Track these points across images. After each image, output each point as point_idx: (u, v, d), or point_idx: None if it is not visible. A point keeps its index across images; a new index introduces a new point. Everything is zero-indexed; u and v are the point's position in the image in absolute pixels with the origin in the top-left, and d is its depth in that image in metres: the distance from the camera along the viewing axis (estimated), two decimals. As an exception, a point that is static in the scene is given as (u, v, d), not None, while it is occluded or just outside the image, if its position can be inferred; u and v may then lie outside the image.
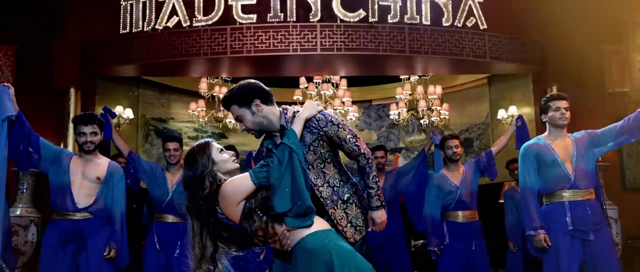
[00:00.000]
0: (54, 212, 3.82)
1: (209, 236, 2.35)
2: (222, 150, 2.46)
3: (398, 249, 5.39)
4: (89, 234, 3.73)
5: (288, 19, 5.95)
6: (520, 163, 3.75)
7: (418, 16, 6.09)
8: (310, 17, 5.98)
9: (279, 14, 5.95)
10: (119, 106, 6.87)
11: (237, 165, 2.47)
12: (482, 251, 4.69)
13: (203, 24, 6.02)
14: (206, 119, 7.73)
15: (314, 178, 2.61)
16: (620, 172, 6.45)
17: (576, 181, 3.56)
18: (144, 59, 6.14)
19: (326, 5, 6.00)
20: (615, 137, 3.58)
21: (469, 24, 6.22)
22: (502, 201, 6.14)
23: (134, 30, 6.21)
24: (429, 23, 6.12)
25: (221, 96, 6.87)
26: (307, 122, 2.59)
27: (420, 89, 7.67)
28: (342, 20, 5.99)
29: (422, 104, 7.67)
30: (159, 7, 6.14)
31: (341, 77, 7.55)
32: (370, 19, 5.98)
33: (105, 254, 3.73)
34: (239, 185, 2.33)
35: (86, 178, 3.77)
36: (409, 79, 7.75)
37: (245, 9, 6.01)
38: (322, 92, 7.41)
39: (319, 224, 2.37)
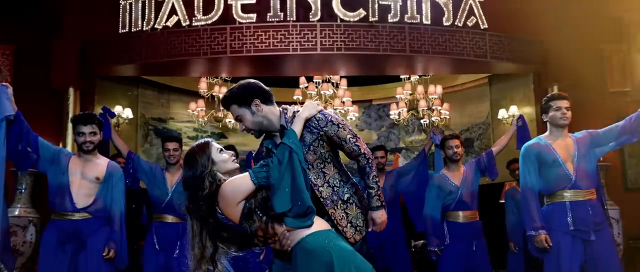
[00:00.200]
0: (52, 213, 3.81)
1: (208, 236, 2.34)
2: (221, 150, 2.45)
3: (398, 249, 5.38)
4: (88, 234, 3.72)
5: (288, 19, 5.94)
6: (521, 163, 3.74)
7: (418, 16, 6.07)
8: (310, 16, 5.96)
9: (279, 13, 5.94)
10: (118, 106, 6.86)
11: (237, 165, 2.47)
12: (483, 252, 4.68)
13: (203, 23, 6.01)
14: (206, 119, 7.72)
15: (314, 178, 2.60)
16: (621, 172, 6.45)
17: (577, 181, 3.56)
18: (143, 59, 6.12)
19: (326, 5, 5.98)
20: (616, 137, 3.58)
21: (469, 24, 6.20)
22: (502, 201, 6.14)
23: (133, 29, 6.19)
24: (429, 22, 6.10)
25: (221, 96, 6.86)
26: (307, 122, 2.58)
27: (420, 88, 7.66)
28: (342, 20, 5.98)
29: (422, 104, 7.66)
30: (159, 6, 6.12)
31: (341, 77, 7.54)
32: (371, 19, 5.97)
33: (104, 254, 3.72)
34: (238, 185, 2.33)
35: (85, 178, 3.76)
36: (409, 78, 7.74)
37: (245, 8, 5.99)
38: (322, 92, 7.40)
39: (319, 224, 2.37)
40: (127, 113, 7.06)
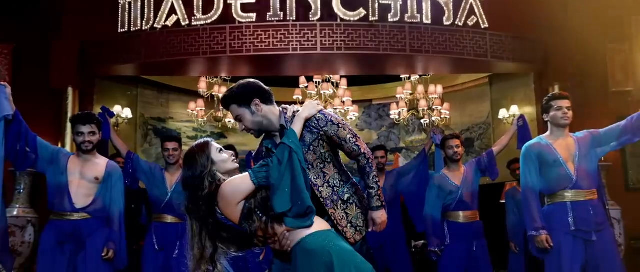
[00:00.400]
0: (51, 213, 3.80)
1: (208, 237, 2.34)
2: (221, 150, 2.45)
3: (398, 249, 5.38)
4: (87, 234, 3.71)
5: (288, 18, 5.92)
6: (522, 163, 3.73)
7: (419, 15, 6.05)
8: (310, 16, 5.94)
9: (279, 12, 5.92)
10: (117, 106, 6.84)
11: (237, 165, 2.47)
12: (484, 252, 4.67)
13: (202, 23, 5.99)
14: (205, 119, 7.71)
15: (314, 178, 2.59)
16: (623, 172, 6.44)
17: (578, 181, 3.55)
18: (142, 58, 6.11)
19: (326, 4, 5.96)
20: (618, 136, 3.57)
21: (470, 23, 6.19)
22: (503, 201, 6.13)
23: (132, 29, 6.17)
24: (429, 22, 6.09)
25: (220, 96, 6.84)
26: (307, 122, 2.58)
27: (420, 88, 7.65)
28: (342, 19, 5.96)
29: (422, 104, 7.65)
30: (158, 5, 6.10)
31: (341, 77, 7.52)
32: (371, 18, 5.95)
33: (103, 254, 3.71)
34: (238, 185, 2.32)
35: (84, 178, 3.75)
36: (409, 78, 7.73)
37: (245, 7, 5.97)
38: (322, 92, 7.38)
39: (319, 224, 2.36)
40: (127, 113, 7.04)
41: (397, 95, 7.90)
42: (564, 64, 6.28)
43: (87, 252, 3.70)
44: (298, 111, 2.60)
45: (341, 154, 2.72)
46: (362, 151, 2.65)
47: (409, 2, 6.05)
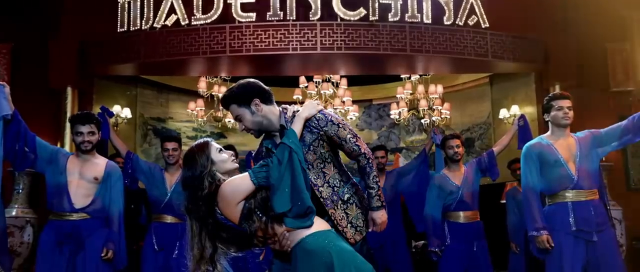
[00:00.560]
0: (50, 213, 3.79)
1: (208, 237, 2.34)
2: (221, 150, 2.45)
3: (399, 249, 5.37)
4: (86, 234, 3.70)
5: (288, 18, 5.91)
6: (523, 163, 3.72)
7: (419, 15, 6.04)
8: (310, 15, 5.93)
9: (279, 12, 5.91)
10: (116, 105, 6.83)
11: (237, 165, 2.46)
12: (484, 252, 4.67)
13: (202, 22, 5.98)
14: (205, 119, 7.70)
15: (314, 178, 2.59)
16: (624, 172, 6.44)
17: (579, 181, 3.54)
18: (142, 58, 6.10)
19: (326, 4, 5.95)
20: (619, 136, 3.56)
21: (470, 23, 6.18)
22: (504, 201, 6.11)
23: (131, 28, 6.16)
24: (430, 22, 6.08)
25: (220, 95, 6.82)
26: (307, 122, 2.57)
27: (421, 88, 7.64)
28: (342, 19, 5.95)
29: (423, 104, 7.64)
30: (157, 5, 6.09)
31: (341, 77, 7.51)
32: (371, 18, 5.94)
33: (102, 255, 3.70)
34: (238, 185, 2.32)
35: (83, 178, 3.74)
36: (409, 78, 7.72)
37: (245, 7, 5.96)
38: (322, 92, 7.37)
39: (319, 224, 2.36)
40: (126, 113, 7.03)
41: (398, 95, 7.89)
42: (565, 64, 6.27)
43: (87, 253, 3.68)
44: (298, 111, 2.59)
45: (341, 154, 2.71)
46: (362, 150, 2.64)
47: (409, 2, 6.04)
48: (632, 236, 5.98)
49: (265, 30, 5.88)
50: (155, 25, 6.07)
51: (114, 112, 6.36)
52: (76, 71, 6.18)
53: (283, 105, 2.69)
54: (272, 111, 2.62)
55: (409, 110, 7.94)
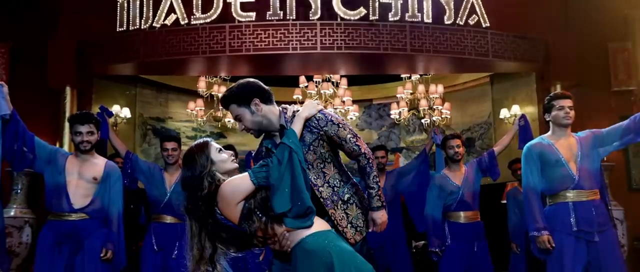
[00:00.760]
0: (49, 213, 3.77)
1: (207, 237, 2.33)
2: (220, 150, 2.44)
3: (399, 250, 5.36)
4: (85, 235, 3.69)
5: (288, 17, 5.90)
6: (523, 163, 3.71)
7: (419, 14, 6.03)
8: (310, 15, 5.92)
9: (279, 12, 5.90)
10: (116, 105, 6.83)
11: (236, 165, 2.46)
12: (485, 252, 4.67)
13: (201, 22, 5.97)
14: (205, 119, 7.69)
15: (314, 178, 2.58)
16: (625, 172, 6.44)
17: (580, 181, 3.53)
18: (141, 58, 6.08)
19: (326, 3, 5.94)
20: (620, 136, 3.54)
21: (471, 22, 6.16)
22: (504, 201, 6.10)
23: (131, 28, 6.15)
24: (430, 21, 6.07)
25: (220, 95, 6.82)
26: (307, 122, 2.56)
27: (421, 88, 7.64)
28: (342, 19, 5.94)
29: (423, 103, 7.64)
30: (157, 4, 6.08)
31: (341, 76, 7.51)
32: (371, 17, 5.93)
33: (101, 255, 3.68)
34: (238, 185, 2.31)
35: (82, 178, 3.73)
36: (410, 78, 7.71)
37: (244, 6, 5.95)
38: (322, 91, 7.37)
39: (319, 224, 2.35)
40: (125, 112, 7.02)
41: (398, 95, 7.89)
42: (566, 63, 6.26)
43: (86, 253, 3.67)
44: (298, 111, 2.58)
45: (341, 154, 2.71)
46: (363, 150, 2.63)
47: (409, 1, 6.03)
48: (633, 236, 5.98)
49: (265, 29, 5.87)
50: (154, 24, 6.06)
51: (113, 112, 6.35)
52: (75, 71, 6.17)
53: (283, 105, 2.68)
54: (272, 111, 2.61)
55: (409, 110, 7.93)
